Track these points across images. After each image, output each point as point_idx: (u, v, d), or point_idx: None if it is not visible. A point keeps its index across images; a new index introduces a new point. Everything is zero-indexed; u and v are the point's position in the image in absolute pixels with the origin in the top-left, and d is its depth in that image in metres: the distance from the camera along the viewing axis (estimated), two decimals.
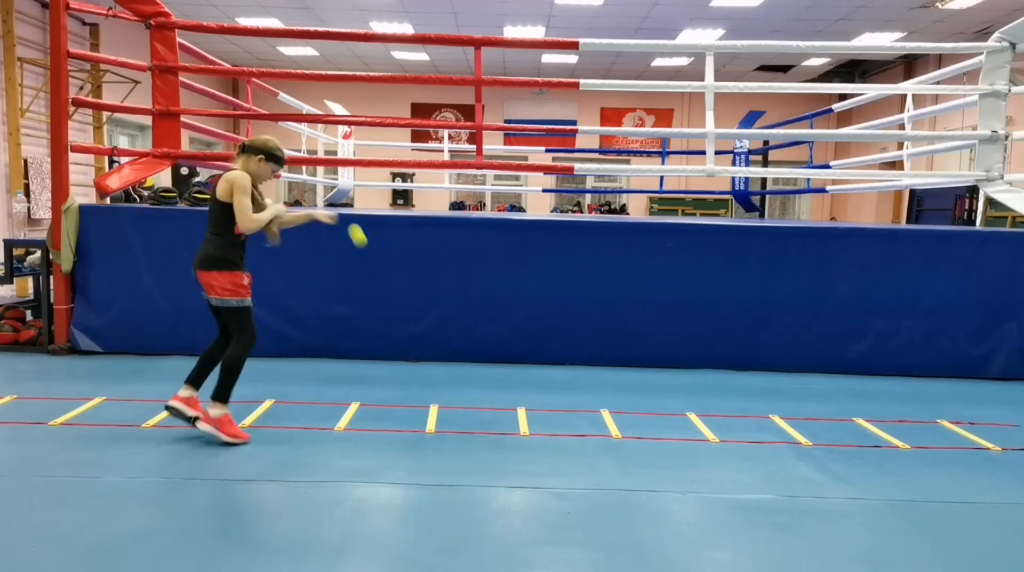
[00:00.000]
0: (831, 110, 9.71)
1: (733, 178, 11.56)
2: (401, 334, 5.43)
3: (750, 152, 11.72)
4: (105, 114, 11.01)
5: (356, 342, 5.41)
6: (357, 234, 3.67)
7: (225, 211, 3.47)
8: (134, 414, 3.89)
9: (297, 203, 17.18)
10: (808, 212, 18.40)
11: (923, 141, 8.79)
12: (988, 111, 5.93)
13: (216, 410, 3.48)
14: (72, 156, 5.51)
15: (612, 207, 17.55)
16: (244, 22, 12.38)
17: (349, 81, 6.77)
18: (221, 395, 3.49)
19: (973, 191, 10.61)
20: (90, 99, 9.32)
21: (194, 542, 2.54)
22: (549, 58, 15.10)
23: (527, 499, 3.04)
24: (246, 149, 3.56)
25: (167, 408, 3.55)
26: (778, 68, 15.55)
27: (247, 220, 3.43)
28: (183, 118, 5.99)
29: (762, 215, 12.43)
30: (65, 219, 5.30)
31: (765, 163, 12.54)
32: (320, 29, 6.36)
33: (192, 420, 3.53)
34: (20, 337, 5.54)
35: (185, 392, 3.56)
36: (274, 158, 3.59)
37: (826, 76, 16.05)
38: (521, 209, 17.57)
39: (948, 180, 8.84)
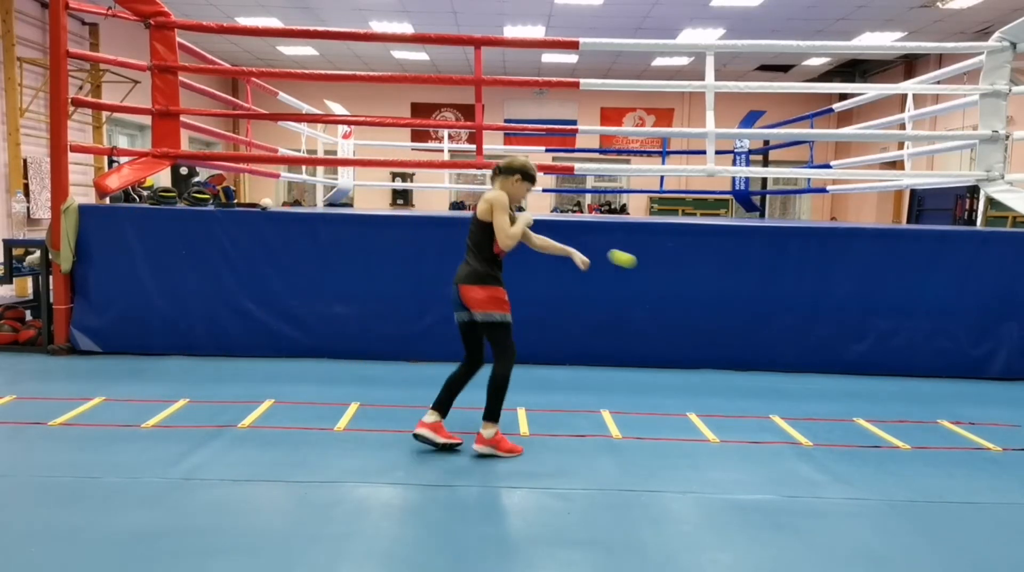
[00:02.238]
0: (831, 110, 9.71)
1: (733, 178, 11.56)
2: (401, 334, 5.43)
3: (750, 152, 11.73)
4: (105, 114, 11.01)
5: (356, 342, 5.41)
6: (620, 258, 3.77)
7: (483, 230, 3.55)
8: (134, 414, 3.89)
9: (297, 203, 17.19)
10: (808, 212, 18.40)
11: (923, 141, 8.79)
12: (988, 111, 5.93)
13: (488, 430, 3.47)
14: (72, 156, 5.51)
15: (612, 207, 17.55)
16: (244, 22, 12.38)
17: (349, 81, 6.77)
18: (491, 415, 3.49)
19: (974, 191, 10.62)
20: (90, 99, 9.33)
21: (194, 542, 2.54)
22: (549, 58, 15.10)
23: (527, 499, 3.04)
24: (502, 170, 3.67)
25: (415, 436, 3.52)
26: (778, 68, 15.55)
27: (506, 237, 3.52)
28: (183, 118, 5.99)
29: (762, 215, 12.43)
30: (65, 219, 5.30)
31: (765, 163, 12.54)
32: (320, 29, 6.36)
33: (440, 446, 3.51)
34: (20, 337, 5.54)
35: (430, 417, 3.54)
36: (529, 177, 3.70)
37: (826, 76, 16.05)
38: (521, 209, 17.52)
39: (948, 180, 8.84)
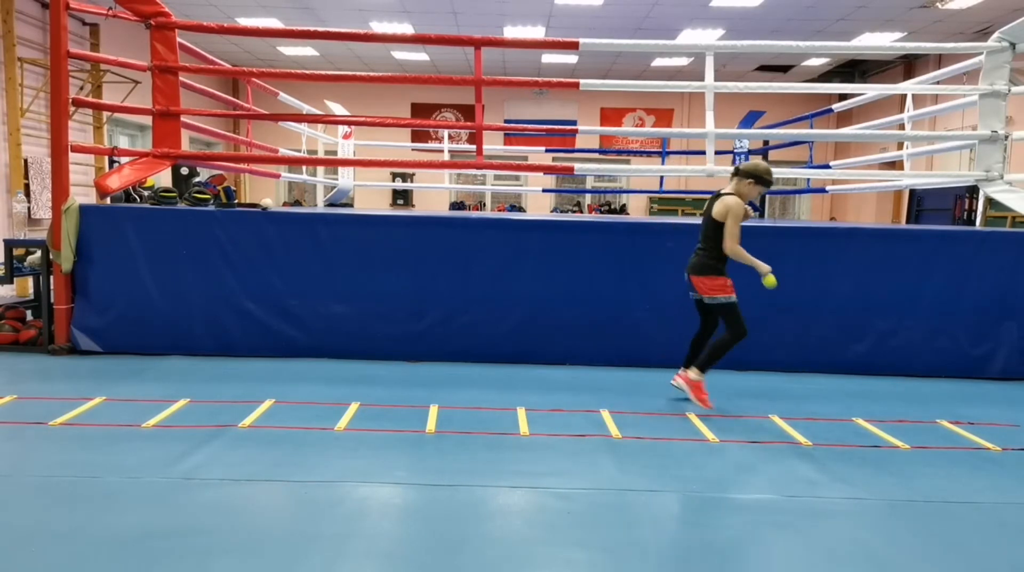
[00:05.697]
0: (831, 110, 9.70)
1: None
2: (401, 334, 5.44)
3: (750, 152, 11.72)
4: (105, 114, 11.01)
5: (356, 342, 5.41)
6: (770, 280, 4.17)
7: (716, 228, 4.15)
8: (134, 414, 3.90)
9: (297, 203, 17.20)
10: (808, 212, 18.40)
11: (923, 141, 8.79)
12: (988, 111, 5.93)
13: (694, 374, 4.28)
14: (72, 156, 5.51)
15: (612, 207, 17.56)
16: (244, 22, 12.38)
17: (349, 81, 6.77)
18: (703, 365, 4.25)
19: (973, 191, 10.62)
20: (90, 99, 9.33)
21: (194, 542, 2.54)
22: (549, 58, 15.10)
23: (527, 499, 3.04)
24: (740, 172, 4.15)
25: (672, 384, 4.45)
26: (778, 68, 15.55)
27: (730, 249, 4.12)
28: (183, 118, 5.99)
29: (762, 215, 12.42)
30: (65, 219, 5.30)
31: None
32: (320, 29, 6.36)
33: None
34: (20, 337, 5.54)
35: (685, 373, 4.38)
36: (763, 181, 4.16)
37: (826, 76, 16.05)
38: (521, 209, 17.57)
39: (948, 180, 8.84)
